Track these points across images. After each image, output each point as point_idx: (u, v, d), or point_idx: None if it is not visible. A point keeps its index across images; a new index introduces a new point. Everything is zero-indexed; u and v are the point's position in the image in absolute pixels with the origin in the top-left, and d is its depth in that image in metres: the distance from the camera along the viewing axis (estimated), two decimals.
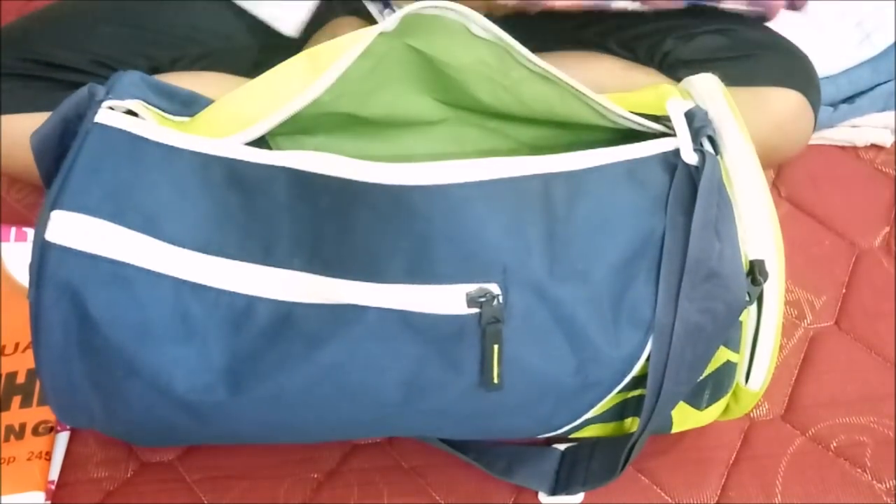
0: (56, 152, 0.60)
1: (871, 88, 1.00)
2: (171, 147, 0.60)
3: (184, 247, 0.59)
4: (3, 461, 0.69)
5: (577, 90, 0.66)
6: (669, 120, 0.65)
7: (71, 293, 0.56)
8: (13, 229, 0.84)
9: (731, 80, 0.69)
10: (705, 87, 0.68)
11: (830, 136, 0.98)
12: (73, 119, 0.60)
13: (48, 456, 0.70)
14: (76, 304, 0.56)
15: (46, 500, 0.68)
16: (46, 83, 0.80)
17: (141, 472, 0.71)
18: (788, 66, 0.84)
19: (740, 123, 0.65)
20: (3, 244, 0.83)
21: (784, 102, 0.81)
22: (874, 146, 0.98)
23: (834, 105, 0.99)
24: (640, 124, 0.67)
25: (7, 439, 0.70)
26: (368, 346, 0.57)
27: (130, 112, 0.61)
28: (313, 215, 0.60)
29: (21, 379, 0.74)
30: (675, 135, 0.63)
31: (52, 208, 0.57)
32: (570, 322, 0.59)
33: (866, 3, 1.04)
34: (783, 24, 0.96)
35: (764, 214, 0.62)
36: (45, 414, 0.72)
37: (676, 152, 0.62)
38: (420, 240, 0.58)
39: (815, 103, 0.83)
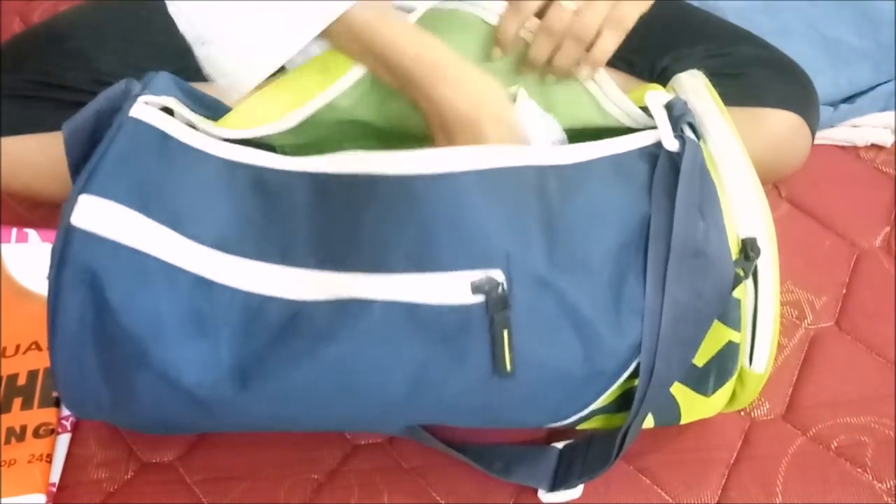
0: (87, 143, 0.61)
1: (872, 88, 1.00)
2: (200, 150, 0.62)
3: (204, 244, 0.60)
4: (3, 463, 0.69)
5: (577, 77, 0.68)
6: None
7: (91, 278, 0.57)
8: (14, 230, 0.84)
9: (727, 98, 0.70)
10: (689, 82, 0.69)
11: (831, 136, 0.98)
12: (107, 112, 0.62)
13: (49, 458, 0.70)
14: (95, 290, 0.57)
15: (47, 502, 0.68)
16: (46, 103, 0.80)
17: (141, 473, 0.72)
18: (785, 86, 0.84)
19: (723, 112, 0.66)
20: (4, 245, 0.83)
21: (780, 123, 0.82)
22: (874, 146, 0.98)
23: (834, 105, 0.99)
24: (632, 112, 0.69)
25: (8, 441, 0.70)
26: (374, 342, 0.58)
27: (165, 108, 0.62)
28: (327, 215, 0.61)
29: (22, 381, 0.74)
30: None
31: (81, 192, 0.58)
32: (574, 312, 0.59)
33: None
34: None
35: (751, 194, 0.63)
36: (46, 416, 0.72)
37: (658, 143, 0.63)
38: (423, 228, 0.58)
39: (812, 122, 0.83)
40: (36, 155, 0.79)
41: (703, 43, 0.86)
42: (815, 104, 0.85)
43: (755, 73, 0.84)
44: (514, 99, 0.70)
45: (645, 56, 0.86)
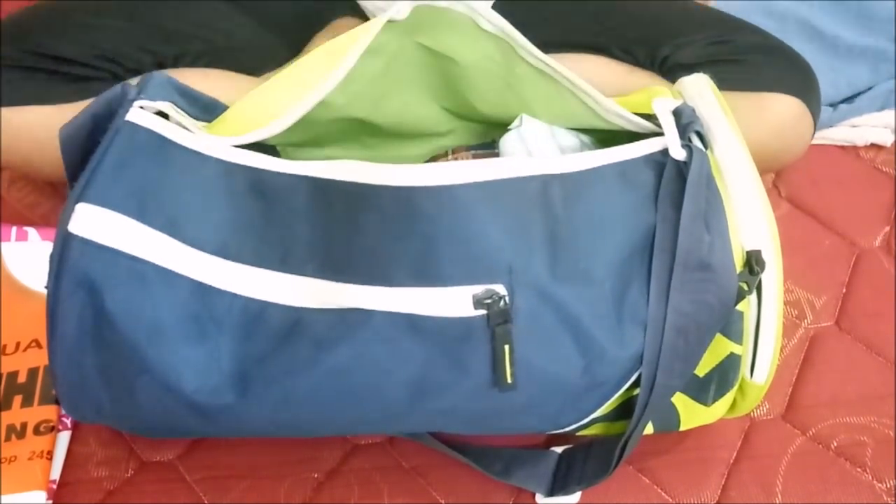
0: (84, 147, 0.61)
1: (871, 88, 1.00)
2: (198, 152, 0.61)
3: (203, 250, 0.59)
4: (4, 460, 0.69)
5: (574, 86, 0.67)
6: None
7: (89, 285, 0.57)
8: (14, 229, 0.84)
9: (729, 84, 0.69)
10: (695, 86, 0.68)
11: (830, 136, 0.98)
12: (103, 116, 0.61)
13: (49, 455, 0.70)
14: (93, 297, 0.57)
15: (48, 499, 0.68)
16: (48, 76, 0.80)
17: (141, 472, 0.71)
18: (787, 72, 0.84)
19: (730, 119, 0.65)
20: (4, 244, 0.83)
21: (783, 108, 0.81)
22: (874, 146, 0.98)
23: (833, 105, 0.99)
24: (634, 123, 0.67)
25: (8, 438, 0.70)
26: (375, 350, 0.58)
27: (160, 113, 0.62)
28: (327, 222, 0.60)
29: (22, 378, 0.74)
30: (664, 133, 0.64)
31: (78, 201, 0.57)
32: (575, 323, 0.59)
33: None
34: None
35: (757, 206, 0.63)
36: (47, 413, 0.72)
37: (665, 151, 0.63)
38: (425, 241, 0.58)
39: (814, 109, 0.83)
40: (37, 127, 0.78)
41: (703, 31, 0.85)
42: (817, 91, 0.84)
43: (756, 60, 0.83)
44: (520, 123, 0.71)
45: (646, 46, 0.86)
